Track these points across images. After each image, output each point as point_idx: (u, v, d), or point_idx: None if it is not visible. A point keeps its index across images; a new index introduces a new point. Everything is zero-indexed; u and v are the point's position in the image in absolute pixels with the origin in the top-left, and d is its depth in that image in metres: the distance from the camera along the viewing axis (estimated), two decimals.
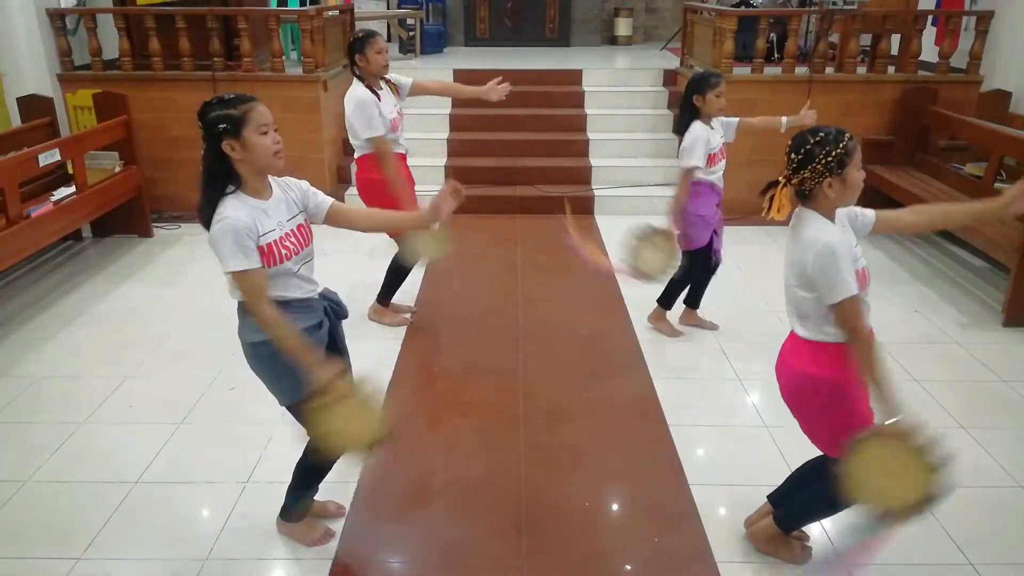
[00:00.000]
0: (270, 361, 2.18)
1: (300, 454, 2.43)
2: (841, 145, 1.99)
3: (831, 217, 2.06)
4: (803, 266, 2.04)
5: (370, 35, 3.65)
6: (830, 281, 1.98)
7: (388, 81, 3.76)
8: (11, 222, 4.07)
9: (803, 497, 2.39)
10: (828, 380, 2.10)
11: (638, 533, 2.61)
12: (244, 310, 2.18)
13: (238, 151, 2.01)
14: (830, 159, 1.99)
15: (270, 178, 2.16)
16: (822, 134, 2.01)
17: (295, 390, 2.21)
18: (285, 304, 2.15)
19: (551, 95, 6.96)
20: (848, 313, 1.98)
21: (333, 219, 2.27)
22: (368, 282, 4.21)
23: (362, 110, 3.58)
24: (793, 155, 2.05)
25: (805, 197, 2.07)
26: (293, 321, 2.15)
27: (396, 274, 4.05)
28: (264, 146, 2.03)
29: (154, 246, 5.34)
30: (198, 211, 2.09)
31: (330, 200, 2.27)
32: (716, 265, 3.88)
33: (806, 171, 2.02)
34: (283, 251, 2.11)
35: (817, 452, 2.31)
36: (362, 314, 4.07)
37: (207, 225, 2.06)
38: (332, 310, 2.33)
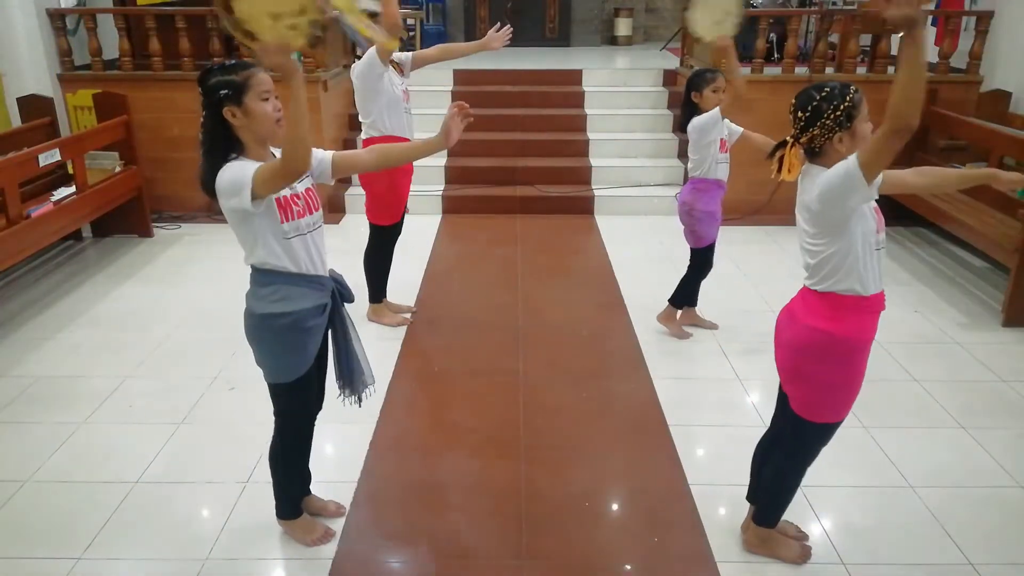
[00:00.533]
0: (279, 334, 2.16)
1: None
2: (848, 98, 1.98)
3: None
4: (813, 203, 1.99)
5: (372, 16, 3.66)
6: (847, 169, 1.87)
7: (391, 61, 3.78)
8: (11, 222, 4.07)
9: (764, 480, 2.41)
10: (846, 337, 2.06)
11: (638, 533, 2.61)
12: (256, 279, 2.17)
13: (239, 118, 2.00)
14: (839, 113, 1.98)
15: (272, 150, 2.15)
16: (827, 89, 2.00)
17: (292, 370, 2.21)
18: (298, 278, 2.14)
19: (551, 95, 6.96)
20: (871, 155, 1.81)
21: (342, 169, 2.28)
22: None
23: (368, 59, 3.58)
24: (800, 113, 2.04)
25: (815, 154, 2.06)
26: (301, 297, 2.15)
27: (374, 270, 4.06)
28: (265, 113, 2.02)
29: (154, 246, 5.34)
30: (200, 179, 2.05)
31: (330, 152, 2.27)
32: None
33: (815, 128, 2.01)
34: (296, 207, 2.11)
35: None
36: (362, 315, 4.07)
37: (210, 189, 2.03)
38: (339, 293, 2.32)
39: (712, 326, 4.06)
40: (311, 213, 2.17)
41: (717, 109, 3.46)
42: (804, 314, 2.12)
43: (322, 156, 2.25)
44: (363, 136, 3.80)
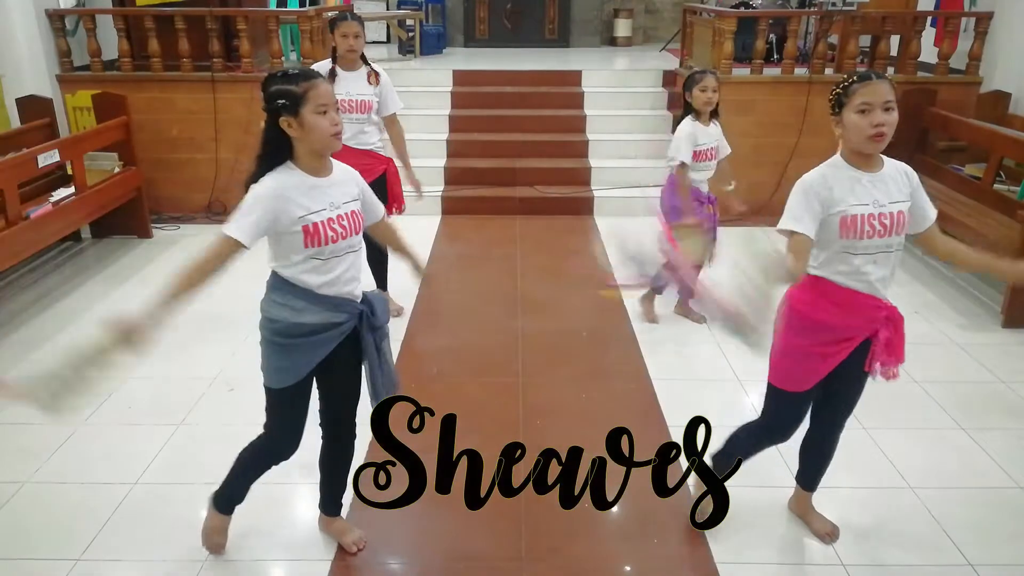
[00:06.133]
0: (266, 340, 2.17)
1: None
2: (841, 86, 2.09)
3: (850, 159, 2.14)
4: None
5: (341, 19, 3.67)
6: (786, 208, 2.13)
7: (373, 72, 3.76)
8: (10, 223, 4.06)
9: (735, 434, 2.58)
10: (797, 308, 2.23)
11: (638, 534, 2.61)
12: (272, 283, 2.15)
13: (295, 128, 1.99)
14: (831, 99, 2.12)
15: (334, 163, 2.13)
16: (845, 75, 2.12)
17: (275, 376, 2.19)
18: (310, 295, 2.10)
19: (550, 96, 6.95)
20: (789, 246, 2.10)
21: (374, 230, 2.34)
22: (366, 283, 4.21)
23: None
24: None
25: None
26: (304, 311, 2.10)
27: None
28: (321, 127, 1.98)
29: (153, 247, 5.33)
30: (246, 180, 2.05)
31: (383, 212, 2.32)
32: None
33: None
34: (331, 233, 2.05)
35: None
36: None
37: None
38: (368, 318, 2.22)
39: (654, 320, 4.15)
40: (348, 237, 2.11)
41: (683, 128, 3.66)
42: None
43: (373, 206, 2.29)
44: None
